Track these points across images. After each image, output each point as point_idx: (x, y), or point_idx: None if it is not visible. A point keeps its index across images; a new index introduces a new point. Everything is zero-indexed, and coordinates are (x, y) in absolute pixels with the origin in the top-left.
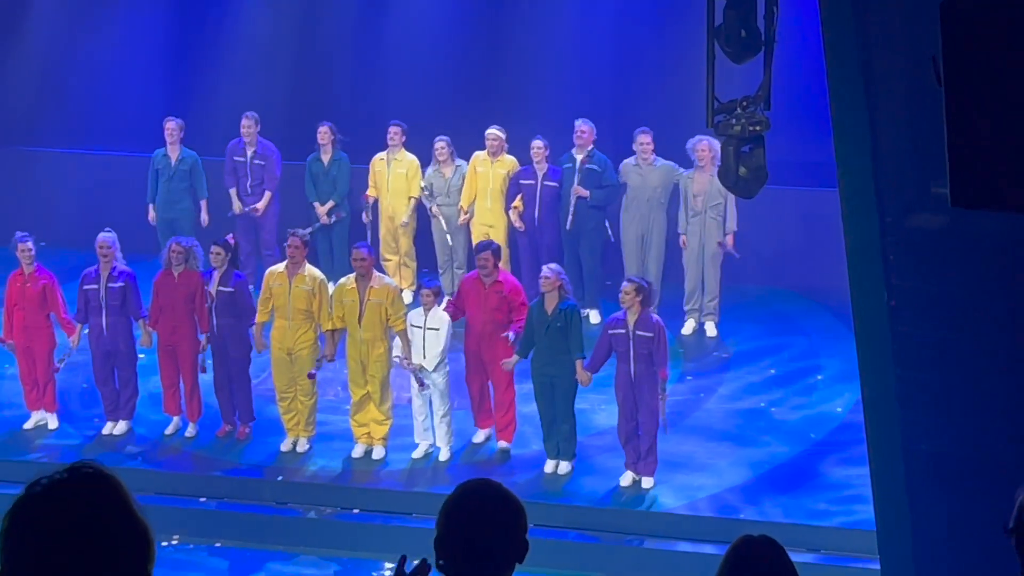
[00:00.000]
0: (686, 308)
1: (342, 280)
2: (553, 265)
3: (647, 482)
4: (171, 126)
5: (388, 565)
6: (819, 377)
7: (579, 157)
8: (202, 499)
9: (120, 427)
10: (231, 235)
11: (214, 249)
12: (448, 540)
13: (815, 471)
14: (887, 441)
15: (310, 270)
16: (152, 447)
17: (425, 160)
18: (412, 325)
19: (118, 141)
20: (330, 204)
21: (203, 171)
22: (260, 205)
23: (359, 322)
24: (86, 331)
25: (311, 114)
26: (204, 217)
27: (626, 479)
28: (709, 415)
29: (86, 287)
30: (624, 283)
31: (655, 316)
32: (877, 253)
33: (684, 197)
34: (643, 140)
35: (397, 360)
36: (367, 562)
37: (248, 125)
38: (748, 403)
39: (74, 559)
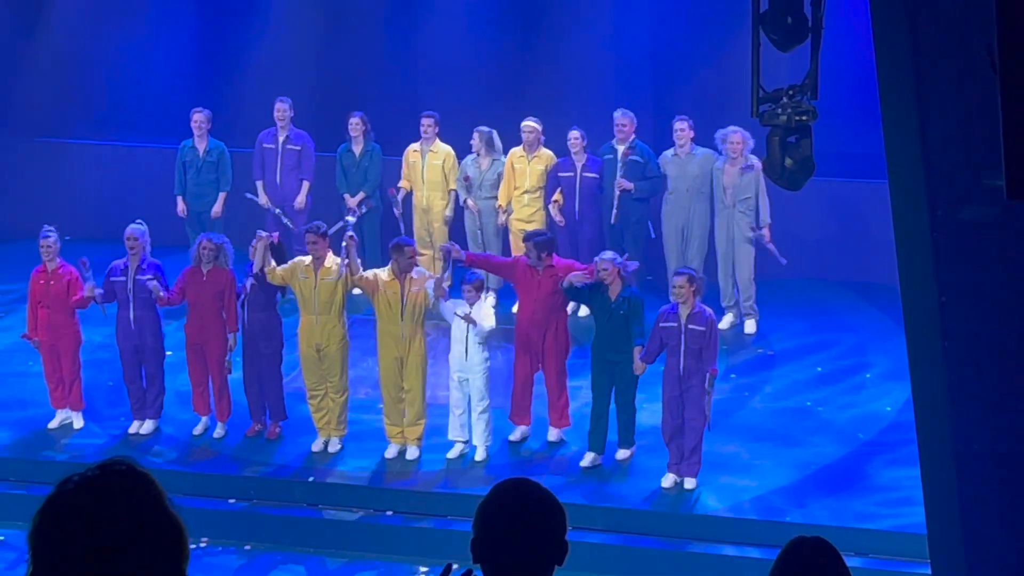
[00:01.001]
0: (723, 304)
1: (381, 272)
2: (608, 253)
3: (690, 483)
4: (199, 118)
5: (423, 569)
6: (867, 375)
7: (620, 148)
8: (231, 500)
9: (147, 426)
10: (276, 233)
11: (255, 246)
12: (485, 543)
13: (864, 472)
14: (938, 441)
15: (333, 260)
16: (180, 447)
17: (461, 152)
18: (456, 314)
19: (145, 132)
20: (360, 196)
21: (230, 163)
22: (300, 200)
23: (400, 316)
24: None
25: (341, 104)
26: (217, 208)
27: (667, 481)
28: (754, 414)
29: (113, 279)
30: (675, 276)
31: (708, 310)
32: (927, 247)
33: (715, 189)
34: (680, 127)
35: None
36: (400, 566)
37: (282, 109)
38: (794, 402)
39: (107, 558)
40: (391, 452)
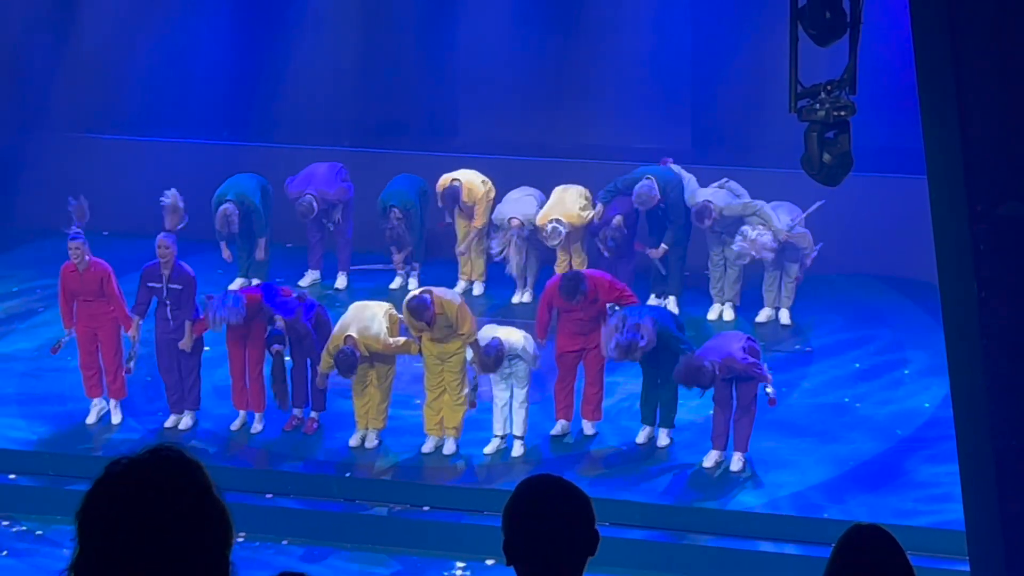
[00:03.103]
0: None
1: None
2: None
3: (736, 463)
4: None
5: (459, 564)
6: (906, 371)
7: (642, 210)
8: (268, 495)
9: (185, 420)
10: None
11: None
12: (517, 543)
13: (902, 469)
14: (976, 437)
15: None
16: (218, 442)
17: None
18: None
19: (183, 128)
20: (407, 251)
21: (261, 210)
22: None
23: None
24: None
25: (379, 102)
26: (260, 254)
27: (709, 460)
28: (791, 410)
29: (149, 284)
30: None
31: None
32: (966, 243)
33: None
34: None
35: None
36: (437, 561)
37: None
38: (832, 398)
39: (153, 539)
40: (428, 447)
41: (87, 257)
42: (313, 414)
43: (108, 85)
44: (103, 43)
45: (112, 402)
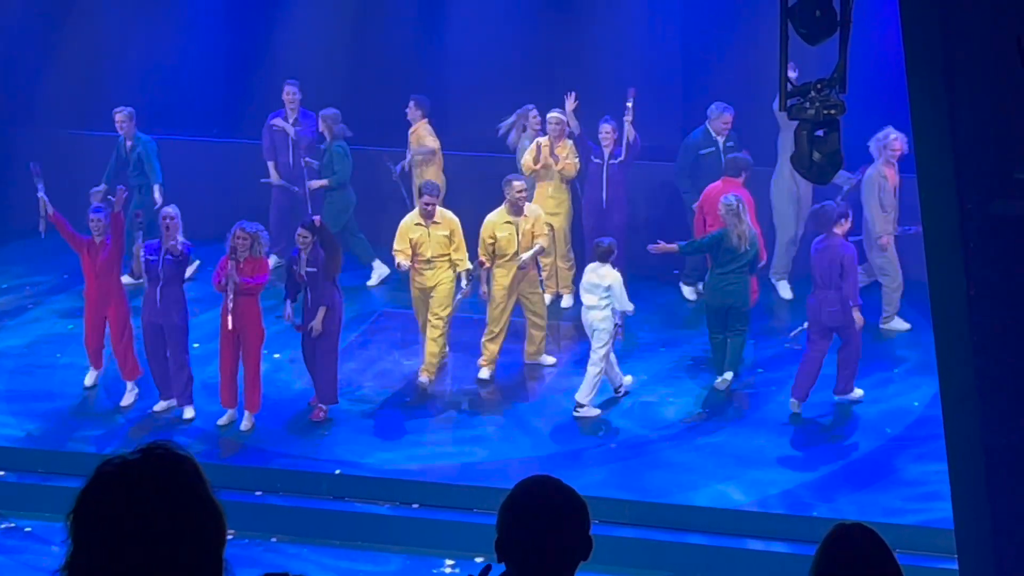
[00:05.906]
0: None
1: (493, 216)
2: (731, 196)
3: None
4: (119, 118)
5: (448, 562)
6: (895, 370)
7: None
8: (257, 492)
9: (188, 412)
10: (317, 216)
11: (301, 232)
12: (510, 543)
13: (891, 467)
14: (966, 436)
15: (442, 214)
16: (206, 439)
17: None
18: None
19: (173, 125)
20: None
21: (155, 156)
22: (315, 183)
23: (518, 251)
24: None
25: (371, 95)
26: (157, 197)
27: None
28: (781, 408)
29: (147, 257)
30: None
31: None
32: (957, 241)
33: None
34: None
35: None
36: (426, 559)
37: (291, 92)
38: (821, 396)
39: (145, 540)
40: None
41: (105, 236)
42: (320, 404)
43: (98, 81)
44: (93, 39)
45: (128, 384)
